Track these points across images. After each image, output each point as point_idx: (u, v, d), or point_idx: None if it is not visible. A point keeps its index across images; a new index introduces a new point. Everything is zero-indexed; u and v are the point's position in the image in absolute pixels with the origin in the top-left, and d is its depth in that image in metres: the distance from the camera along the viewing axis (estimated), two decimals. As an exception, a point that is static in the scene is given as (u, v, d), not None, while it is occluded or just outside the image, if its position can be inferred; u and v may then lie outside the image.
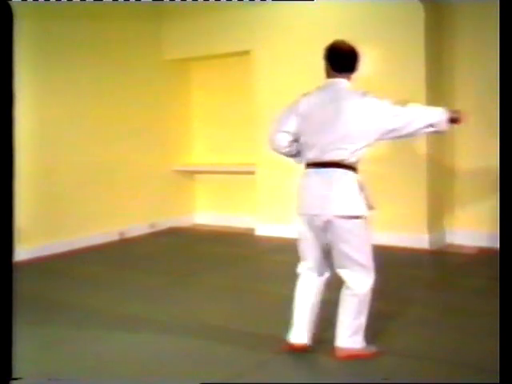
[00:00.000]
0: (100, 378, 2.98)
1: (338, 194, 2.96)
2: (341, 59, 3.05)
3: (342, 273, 3.07)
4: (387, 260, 5.45)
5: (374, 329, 3.53)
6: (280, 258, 5.52)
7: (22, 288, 4.63)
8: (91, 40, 6.24)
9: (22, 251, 5.42)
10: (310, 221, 3.05)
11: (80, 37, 6.10)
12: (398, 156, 5.92)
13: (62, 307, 4.15)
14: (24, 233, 5.50)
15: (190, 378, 2.91)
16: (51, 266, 5.43)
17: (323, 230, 3.02)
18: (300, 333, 3.15)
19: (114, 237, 6.50)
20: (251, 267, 5.38)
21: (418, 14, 5.68)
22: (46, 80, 5.82)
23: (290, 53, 6.51)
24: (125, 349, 3.36)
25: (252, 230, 6.79)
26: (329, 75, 3.10)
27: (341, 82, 3.05)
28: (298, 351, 3.14)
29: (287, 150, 3.17)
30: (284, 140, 3.12)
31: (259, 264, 5.54)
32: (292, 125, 3.09)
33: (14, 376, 1.80)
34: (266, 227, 6.67)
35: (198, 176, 7.57)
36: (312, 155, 3.02)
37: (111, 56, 6.48)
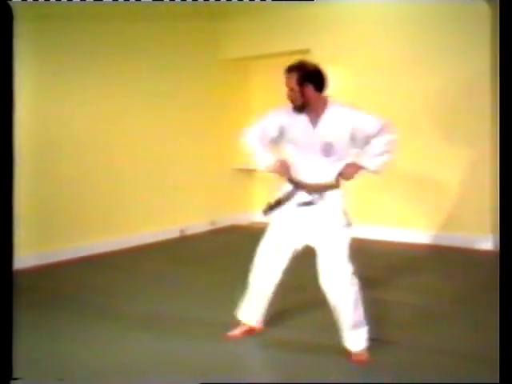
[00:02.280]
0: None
1: None
2: (326, 79, 3.12)
3: None
4: (450, 261, 5.44)
5: (430, 328, 3.54)
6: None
7: (84, 282, 4.86)
8: (149, 40, 6.38)
9: (87, 247, 5.66)
10: None
11: (138, 37, 6.25)
12: (459, 155, 5.80)
13: (117, 304, 4.24)
14: (87, 229, 5.73)
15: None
16: (113, 261, 5.60)
17: None
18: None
19: (175, 234, 6.64)
20: (311, 266, 5.34)
21: (484, 14, 5.50)
22: (100, 79, 5.98)
23: (351, 51, 6.44)
24: (175, 349, 3.37)
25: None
26: (319, 97, 3.10)
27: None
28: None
29: None
30: None
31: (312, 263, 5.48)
32: None
33: (19, 376, 1.86)
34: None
35: (257, 174, 7.61)
36: None
37: (170, 56, 6.60)
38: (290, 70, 3.09)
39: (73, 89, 5.64)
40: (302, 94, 3.06)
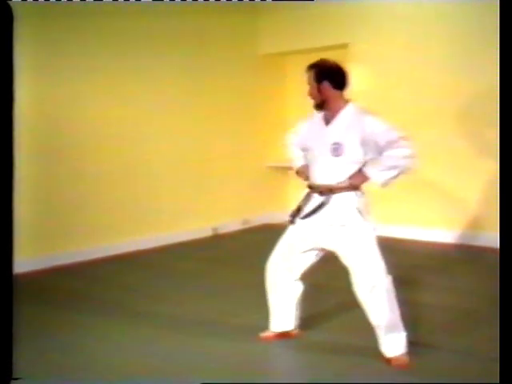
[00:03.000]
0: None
1: None
2: (345, 77, 3.09)
3: None
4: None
5: (469, 331, 3.48)
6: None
7: (116, 281, 4.82)
8: (187, 35, 6.31)
9: (119, 245, 5.61)
10: None
11: (174, 32, 6.17)
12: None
13: (148, 303, 4.19)
14: (119, 227, 5.69)
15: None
16: (146, 260, 5.56)
17: None
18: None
19: (208, 232, 6.54)
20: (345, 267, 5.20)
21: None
22: (134, 77, 5.91)
23: (390, 45, 6.26)
24: (207, 350, 3.30)
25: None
26: (341, 96, 3.07)
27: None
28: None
29: None
30: None
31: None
32: None
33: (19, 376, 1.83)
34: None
35: (291, 172, 7.45)
36: None
37: (207, 52, 6.52)
38: (310, 67, 3.10)
39: (104, 87, 5.60)
40: (319, 90, 3.05)
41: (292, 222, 3.15)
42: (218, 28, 6.60)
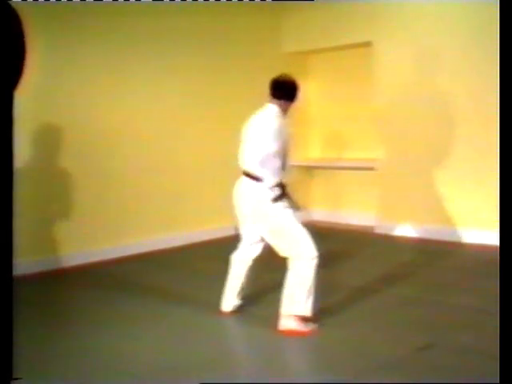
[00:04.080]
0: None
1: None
2: (278, 88, 3.72)
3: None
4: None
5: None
6: (403, 257, 5.43)
7: (138, 278, 4.81)
8: (213, 34, 6.32)
9: (140, 244, 5.63)
10: None
11: (202, 31, 6.19)
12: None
13: (167, 303, 4.18)
14: (141, 226, 5.70)
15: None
16: (168, 258, 5.57)
17: None
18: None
19: (230, 231, 6.51)
20: (368, 265, 5.17)
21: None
22: (163, 76, 5.94)
23: (414, 43, 6.15)
24: (224, 349, 3.32)
25: (371, 227, 6.54)
26: (269, 99, 3.73)
27: (271, 106, 3.69)
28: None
29: None
30: None
31: (376, 263, 5.27)
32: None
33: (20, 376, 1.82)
34: (387, 225, 6.40)
35: (315, 171, 7.40)
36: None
37: (232, 50, 6.53)
38: None
39: (131, 86, 5.65)
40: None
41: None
42: (243, 27, 6.60)
